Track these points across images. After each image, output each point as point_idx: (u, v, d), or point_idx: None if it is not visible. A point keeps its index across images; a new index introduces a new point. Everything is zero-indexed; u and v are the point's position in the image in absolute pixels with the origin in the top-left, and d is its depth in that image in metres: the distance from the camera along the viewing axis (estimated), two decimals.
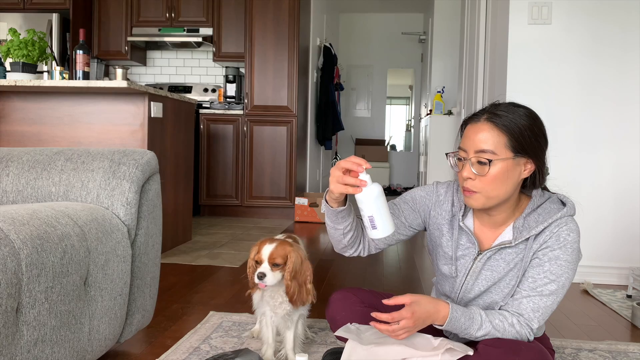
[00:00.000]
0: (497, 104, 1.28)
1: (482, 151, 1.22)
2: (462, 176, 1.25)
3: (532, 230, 1.26)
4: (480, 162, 1.22)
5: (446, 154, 1.33)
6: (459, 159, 1.28)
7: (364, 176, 1.15)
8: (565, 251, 1.24)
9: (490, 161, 1.21)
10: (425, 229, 1.47)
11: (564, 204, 1.31)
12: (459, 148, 1.28)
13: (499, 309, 1.30)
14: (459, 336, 1.31)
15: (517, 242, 1.28)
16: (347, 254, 1.41)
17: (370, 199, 1.14)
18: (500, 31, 3.04)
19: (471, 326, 1.23)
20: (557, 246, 1.25)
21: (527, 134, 1.23)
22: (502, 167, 1.22)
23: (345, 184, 1.15)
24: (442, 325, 1.23)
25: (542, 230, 1.26)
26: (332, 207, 1.25)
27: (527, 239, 1.28)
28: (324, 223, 4.64)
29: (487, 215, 1.32)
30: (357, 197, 1.16)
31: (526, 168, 1.26)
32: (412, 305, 1.19)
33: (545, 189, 1.36)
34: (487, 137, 1.22)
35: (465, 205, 1.37)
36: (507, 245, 1.29)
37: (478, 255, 1.33)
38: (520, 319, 1.24)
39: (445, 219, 1.38)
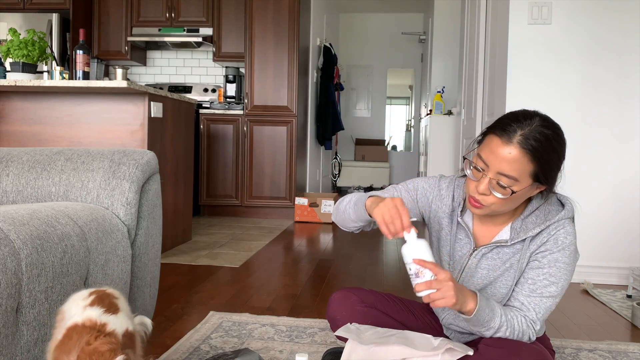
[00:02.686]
0: (530, 121, 1.17)
1: (505, 175, 1.17)
2: (477, 189, 1.21)
3: (529, 232, 1.26)
4: (499, 184, 1.18)
5: (463, 158, 1.28)
6: (477, 168, 1.22)
7: (409, 235, 1.17)
8: (564, 254, 1.24)
9: (513, 192, 1.17)
10: (423, 220, 1.46)
11: (562, 204, 1.31)
12: (479, 156, 1.22)
13: None
14: (462, 332, 1.30)
15: (513, 242, 1.28)
16: (343, 229, 1.45)
17: (421, 250, 1.15)
18: (500, 31, 3.04)
19: (492, 319, 1.20)
20: (556, 249, 1.24)
21: (554, 166, 1.20)
22: (519, 192, 1.19)
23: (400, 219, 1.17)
24: (470, 315, 1.18)
25: (539, 232, 1.26)
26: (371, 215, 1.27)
27: (524, 240, 1.27)
28: (324, 223, 4.57)
29: (486, 216, 1.32)
30: (405, 250, 1.16)
31: (538, 189, 1.23)
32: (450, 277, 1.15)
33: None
34: (514, 163, 1.15)
35: (464, 202, 1.36)
36: (503, 244, 1.29)
37: (473, 251, 1.33)
38: (526, 319, 1.24)
39: (445, 213, 1.38)
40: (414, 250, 1.15)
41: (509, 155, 1.16)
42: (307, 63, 5.31)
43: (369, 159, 8.19)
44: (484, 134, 1.25)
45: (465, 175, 1.38)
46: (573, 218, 1.30)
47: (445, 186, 1.40)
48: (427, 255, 1.14)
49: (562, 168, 1.23)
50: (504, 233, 1.31)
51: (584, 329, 2.08)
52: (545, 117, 1.20)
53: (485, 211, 1.23)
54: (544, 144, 1.16)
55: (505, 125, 1.18)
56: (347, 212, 1.37)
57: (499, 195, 1.18)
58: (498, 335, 1.22)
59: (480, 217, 1.35)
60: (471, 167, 1.24)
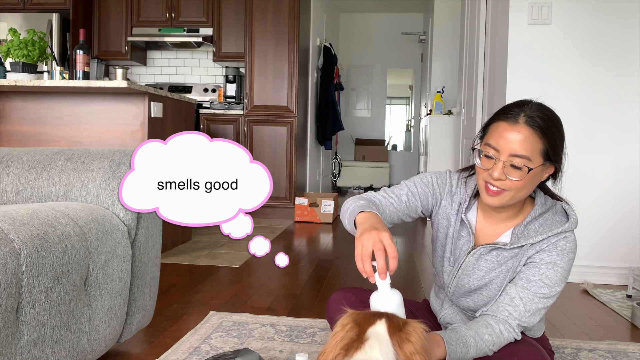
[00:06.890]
0: (529, 104, 1.23)
1: (517, 156, 1.18)
2: (491, 175, 1.22)
3: (529, 239, 1.26)
4: (513, 166, 1.19)
5: (472, 149, 1.29)
6: (487, 156, 1.23)
7: (382, 283, 1.08)
8: (562, 259, 1.24)
9: (530, 169, 1.18)
10: (429, 216, 1.45)
11: (567, 215, 1.30)
12: (488, 144, 1.23)
13: (487, 311, 1.27)
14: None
15: (512, 247, 1.28)
16: None
17: (392, 305, 1.06)
18: (500, 31, 3.04)
19: (467, 352, 1.19)
20: (555, 253, 1.24)
21: (559, 143, 1.23)
22: (533, 173, 1.20)
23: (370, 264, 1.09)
24: None
25: (540, 240, 1.26)
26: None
27: (523, 246, 1.27)
28: (324, 223, 4.55)
29: (494, 211, 1.32)
30: (375, 300, 1.09)
31: (547, 172, 1.25)
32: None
33: (549, 192, 1.35)
34: (525, 142, 1.18)
35: (470, 199, 1.36)
36: (502, 246, 1.29)
37: (472, 250, 1.33)
38: (506, 326, 1.22)
39: (454, 209, 1.38)
40: (385, 305, 1.07)
41: (518, 135, 1.19)
42: (307, 63, 5.31)
43: (369, 159, 8.19)
44: (487, 125, 1.27)
45: (469, 175, 1.38)
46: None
47: (455, 182, 1.40)
48: (400, 312, 1.06)
49: (565, 148, 1.26)
50: (505, 237, 1.31)
51: (584, 329, 2.08)
52: (540, 102, 1.25)
53: (503, 199, 1.23)
54: (548, 121, 1.21)
55: (508, 110, 1.23)
56: (344, 221, 1.34)
57: (515, 178, 1.19)
58: (483, 355, 1.20)
59: (485, 214, 1.34)
60: (481, 156, 1.25)
